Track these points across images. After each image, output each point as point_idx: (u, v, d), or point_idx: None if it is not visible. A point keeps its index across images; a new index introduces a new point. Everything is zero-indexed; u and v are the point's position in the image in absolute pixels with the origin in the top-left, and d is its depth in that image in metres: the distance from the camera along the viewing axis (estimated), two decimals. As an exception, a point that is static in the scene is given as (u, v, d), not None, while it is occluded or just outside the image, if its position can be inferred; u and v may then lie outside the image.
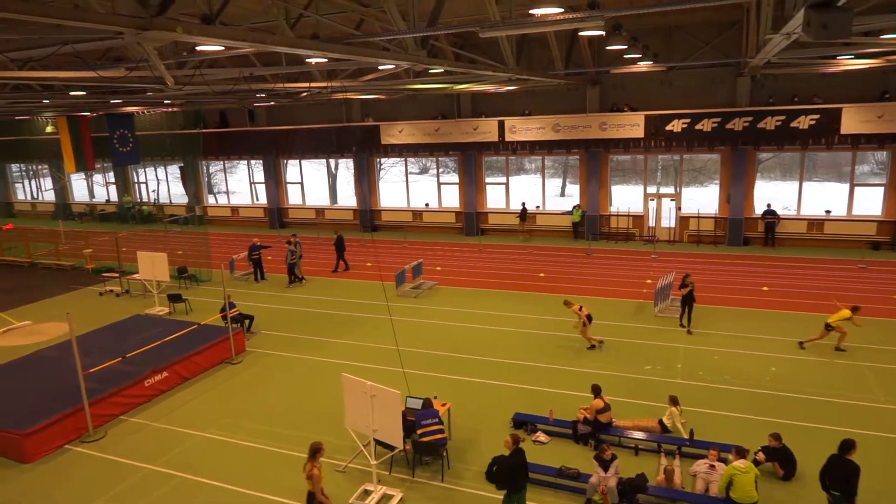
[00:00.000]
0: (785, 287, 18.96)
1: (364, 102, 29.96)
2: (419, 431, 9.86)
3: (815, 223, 23.83)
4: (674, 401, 10.90)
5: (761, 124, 22.63)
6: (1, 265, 26.18)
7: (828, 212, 23.80)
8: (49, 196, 40.40)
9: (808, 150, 23.58)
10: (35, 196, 41.57)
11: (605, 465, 9.11)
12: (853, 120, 21.55)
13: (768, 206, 24.05)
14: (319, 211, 32.53)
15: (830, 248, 23.39)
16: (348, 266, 23.31)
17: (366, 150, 30.02)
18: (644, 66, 21.87)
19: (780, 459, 9.54)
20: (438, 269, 22.68)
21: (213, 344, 14.69)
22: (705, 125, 23.38)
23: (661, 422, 10.77)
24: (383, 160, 32.27)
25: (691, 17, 22.44)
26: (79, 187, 40.39)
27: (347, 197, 33.01)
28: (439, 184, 30.11)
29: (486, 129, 26.83)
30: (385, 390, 9.07)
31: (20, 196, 41.86)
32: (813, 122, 22.01)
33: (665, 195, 25.99)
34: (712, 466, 9.07)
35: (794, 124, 22.22)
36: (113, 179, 38.06)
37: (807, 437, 10.51)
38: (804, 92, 22.82)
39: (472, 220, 28.80)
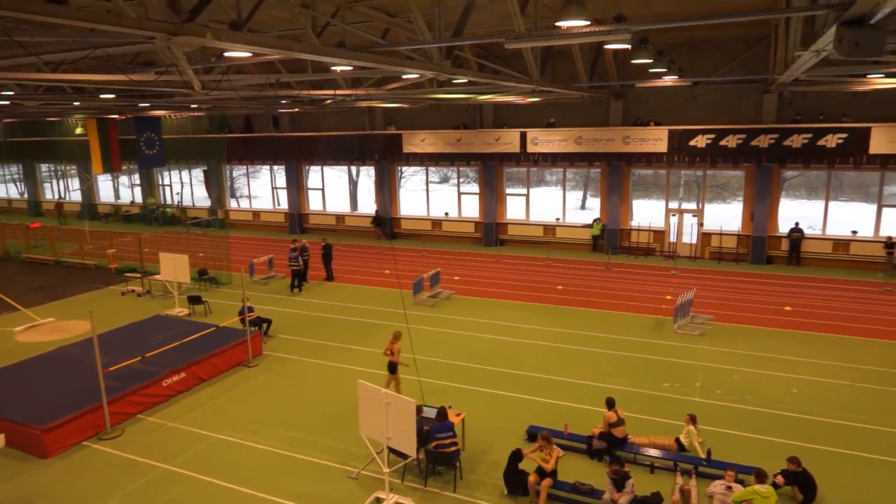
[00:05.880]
0: (808, 307, 18.62)
1: (387, 111, 30.15)
2: (433, 444, 9.83)
3: (841, 243, 23.42)
4: (692, 419, 10.73)
5: (787, 142, 22.35)
6: (28, 263, 26.69)
7: (854, 232, 23.40)
8: (76, 196, 41.14)
9: (834, 169, 23.22)
10: (62, 196, 42.33)
11: (619, 483, 8.98)
12: (882, 140, 21.20)
13: (796, 223, 23.68)
14: (340, 217, 32.72)
15: (856, 269, 22.96)
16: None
17: (387, 158, 30.17)
18: (669, 80, 21.68)
19: (799, 484, 9.33)
20: (457, 278, 22.65)
21: (230, 346, 14.80)
22: (730, 141, 23.16)
23: (678, 440, 10.62)
24: (404, 168, 32.40)
25: (719, 32, 22.28)
26: (105, 188, 41.08)
27: (368, 204, 33.17)
28: (459, 193, 30.15)
29: (508, 140, 26.85)
30: (400, 398, 9.05)
31: (48, 196, 42.66)
32: (841, 141, 21.70)
33: (687, 210, 25.75)
34: (729, 487, 8.90)
35: (821, 143, 21.91)
36: (138, 181, 38.68)
37: (828, 462, 10.28)
38: (832, 110, 22.49)
39: (491, 230, 28.78)
